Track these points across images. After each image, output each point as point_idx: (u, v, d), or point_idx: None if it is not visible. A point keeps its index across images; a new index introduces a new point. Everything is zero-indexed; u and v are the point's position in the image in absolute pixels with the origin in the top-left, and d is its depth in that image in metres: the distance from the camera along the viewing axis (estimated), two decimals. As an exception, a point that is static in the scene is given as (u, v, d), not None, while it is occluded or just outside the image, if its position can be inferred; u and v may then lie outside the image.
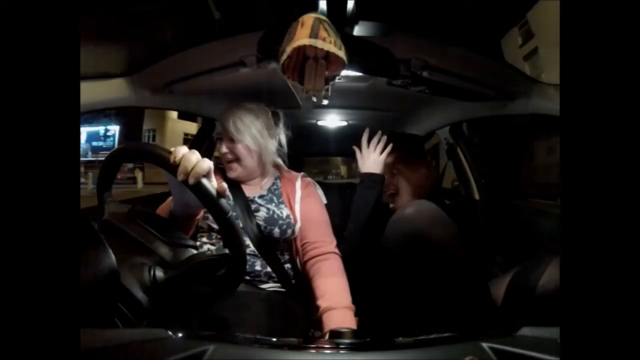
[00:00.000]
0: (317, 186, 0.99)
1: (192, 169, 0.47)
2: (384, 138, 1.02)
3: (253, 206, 0.87)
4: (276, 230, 0.85)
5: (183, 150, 0.49)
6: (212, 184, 0.50)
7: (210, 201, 0.50)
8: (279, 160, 0.96)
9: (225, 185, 0.51)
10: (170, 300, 0.53)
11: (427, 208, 0.72)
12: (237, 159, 0.88)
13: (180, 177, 0.48)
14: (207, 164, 0.49)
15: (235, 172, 0.89)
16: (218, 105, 1.37)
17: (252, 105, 0.90)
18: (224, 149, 0.88)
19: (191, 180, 0.48)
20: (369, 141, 1.02)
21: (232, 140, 0.87)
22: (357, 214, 0.98)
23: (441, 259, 0.68)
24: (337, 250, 0.85)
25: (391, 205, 1.03)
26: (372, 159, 1.00)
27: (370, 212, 0.96)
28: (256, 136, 0.87)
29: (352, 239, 0.97)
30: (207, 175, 0.49)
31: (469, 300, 0.69)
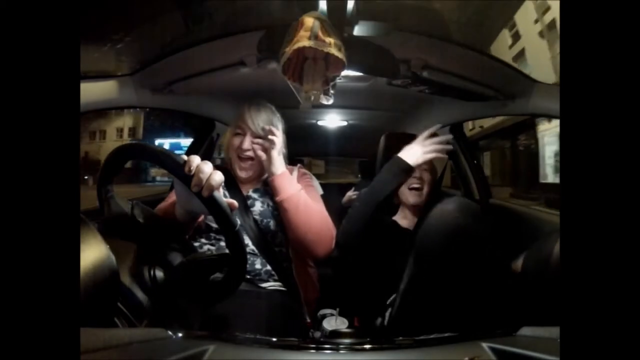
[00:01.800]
0: (314, 178, 0.97)
1: (206, 181, 0.48)
2: (446, 144, 0.93)
3: (248, 202, 0.86)
4: (272, 222, 0.84)
5: (197, 160, 0.50)
6: (224, 198, 0.51)
7: (221, 215, 0.50)
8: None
9: (236, 203, 0.53)
10: (170, 300, 0.53)
11: (469, 203, 0.70)
12: (256, 157, 0.85)
13: (194, 188, 0.48)
14: (220, 176, 0.50)
15: (250, 171, 0.87)
16: (218, 105, 1.37)
17: (269, 104, 0.90)
18: (247, 146, 0.84)
19: (205, 193, 0.48)
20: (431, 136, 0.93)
21: (258, 137, 0.85)
22: (371, 194, 0.90)
23: (482, 256, 0.67)
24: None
25: (413, 201, 1.00)
26: (418, 150, 0.91)
27: (384, 199, 0.89)
28: (279, 135, 0.88)
29: (353, 218, 0.91)
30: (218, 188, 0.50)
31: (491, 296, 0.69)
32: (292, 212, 0.77)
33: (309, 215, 0.78)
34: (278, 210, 0.82)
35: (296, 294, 0.86)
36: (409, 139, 1.31)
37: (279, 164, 0.80)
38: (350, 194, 1.74)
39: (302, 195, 0.80)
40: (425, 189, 1.01)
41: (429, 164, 1.03)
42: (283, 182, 0.79)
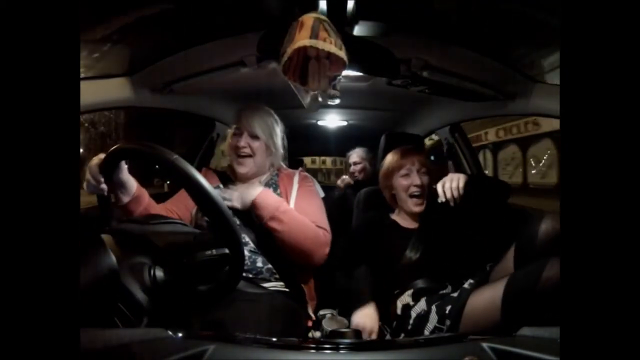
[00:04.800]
0: (315, 181, 1.02)
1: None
2: None
3: None
4: None
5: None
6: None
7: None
8: (282, 164, 1.02)
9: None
10: (170, 300, 0.53)
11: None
12: (253, 155, 0.92)
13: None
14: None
15: (247, 167, 0.93)
16: (218, 105, 1.37)
17: (267, 107, 0.98)
18: (242, 144, 0.92)
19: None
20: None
21: (253, 137, 0.92)
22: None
23: None
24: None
25: (415, 210, 1.00)
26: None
27: None
28: (274, 137, 0.95)
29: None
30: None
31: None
32: (278, 231, 0.80)
33: (292, 234, 0.80)
34: None
35: (299, 292, 0.86)
36: (409, 139, 1.31)
37: (252, 190, 0.83)
38: (345, 177, 1.89)
39: (282, 215, 0.80)
40: (426, 194, 1.00)
41: (425, 166, 1.03)
42: (260, 204, 0.81)
